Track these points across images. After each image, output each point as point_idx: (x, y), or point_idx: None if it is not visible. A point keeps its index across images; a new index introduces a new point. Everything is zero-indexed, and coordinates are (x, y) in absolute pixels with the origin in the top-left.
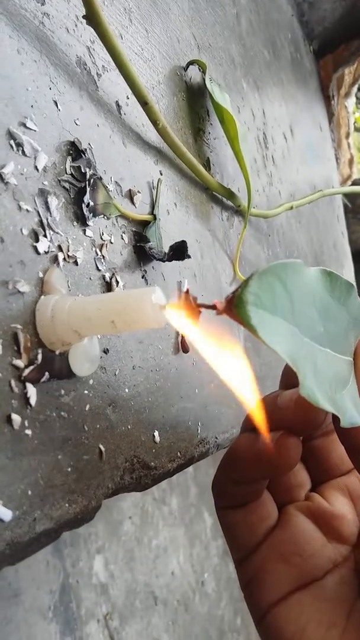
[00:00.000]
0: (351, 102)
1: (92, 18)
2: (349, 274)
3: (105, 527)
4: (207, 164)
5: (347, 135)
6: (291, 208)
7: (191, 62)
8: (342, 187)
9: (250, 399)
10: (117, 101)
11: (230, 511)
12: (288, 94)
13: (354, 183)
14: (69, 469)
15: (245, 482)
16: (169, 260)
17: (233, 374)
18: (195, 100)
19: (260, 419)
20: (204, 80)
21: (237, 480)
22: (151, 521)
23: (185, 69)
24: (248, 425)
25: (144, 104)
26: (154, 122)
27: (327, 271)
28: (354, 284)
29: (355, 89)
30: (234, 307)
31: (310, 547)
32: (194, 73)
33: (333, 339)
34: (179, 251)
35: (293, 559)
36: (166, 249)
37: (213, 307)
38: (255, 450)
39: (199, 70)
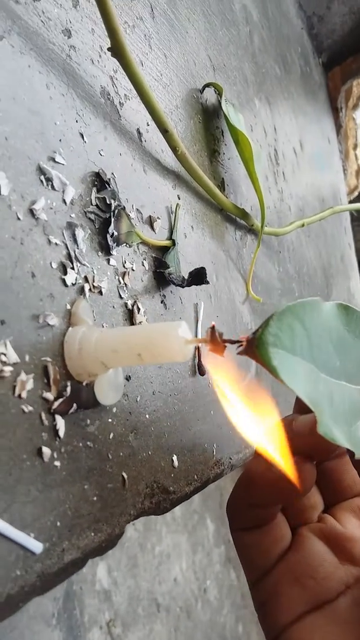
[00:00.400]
0: (359, 113)
1: (117, 50)
2: (355, 286)
3: None
4: (221, 185)
5: (355, 147)
6: (302, 225)
7: (207, 85)
8: (353, 204)
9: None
10: (138, 129)
11: (244, 533)
12: (298, 107)
13: None
14: (95, 498)
15: (260, 506)
16: (188, 285)
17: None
18: (210, 122)
19: (274, 446)
20: (219, 101)
21: (252, 504)
22: (154, 528)
23: (202, 91)
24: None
25: (165, 131)
26: (174, 148)
27: (343, 305)
28: None
29: None
30: (255, 348)
31: (323, 570)
32: (209, 94)
33: (349, 371)
34: (198, 277)
35: (306, 581)
36: (184, 272)
37: (239, 342)
38: (270, 475)
39: (215, 92)
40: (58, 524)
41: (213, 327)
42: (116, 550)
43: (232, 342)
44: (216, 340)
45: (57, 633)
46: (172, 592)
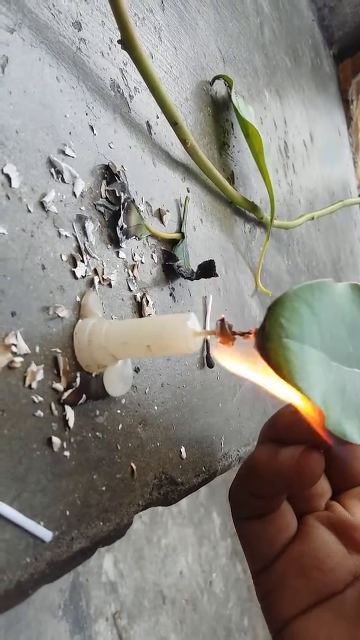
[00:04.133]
0: None
1: (127, 42)
2: None
3: None
4: (231, 178)
5: None
6: (312, 219)
7: (217, 77)
8: None
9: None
10: (147, 121)
11: (248, 522)
12: (308, 100)
13: None
14: (104, 488)
15: (264, 496)
16: (197, 278)
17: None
18: (220, 114)
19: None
20: (229, 94)
21: (256, 494)
22: (160, 520)
23: (211, 83)
24: (267, 436)
25: (174, 124)
26: (183, 141)
27: (358, 286)
28: None
29: None
30: (264, 340)
31: (330, 561)
32: (218, 86)
33: None
34: (207, 270)
35: (312, 572)
36: (193, 265)
37: (248, 333)
38: (275, 465)
39: (225, 84)
40: (67, 513)
41: (223, 320)
42: (122, 543)
43: (242, 333)
44: (226, 332)
45: (63, 624)
46: (177, 584)
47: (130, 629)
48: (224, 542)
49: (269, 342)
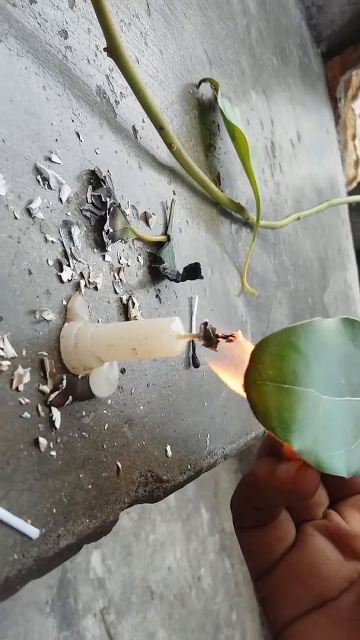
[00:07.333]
0: (358, 104)
1: (113, 50)
2: (352, 277)
3: None
4: (217, 179)
5: (353, 137)
6: (298, 219)
7: (203, 80)
8: (349, 197)
9: None
10: (133, 126)
11: (248, 530)
12: (296, 98)
13: None
14: (90, 487)
15: (264, 508)
16: (183, 280)
17: None
18: (206, 116)
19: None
20: (215, 96)
21: (256, 506)
22: (148, 516)
23: (198, 86)
24: (266, 450)
25: (160, 128)
26: (169, 145)
27: (348, 320)
28: (358, 285)
29: None
30: (246, 383)
31: (327, 568)
32: (205, 89)
33: (356, 386)
34: (192, 272)
35: (309, 580)
36: (179, 267)
37: (231, 336)
38: (274, 481)
39: (211, 86)
40: (54, 510)
41: (206, 323)
42: (110, 539)
43: (225, 337)
44: (209, 335)
45: (51, 620)
46: (166, 580)
47: (119, 625)
48: (212, 537)
49: (249, 385)
